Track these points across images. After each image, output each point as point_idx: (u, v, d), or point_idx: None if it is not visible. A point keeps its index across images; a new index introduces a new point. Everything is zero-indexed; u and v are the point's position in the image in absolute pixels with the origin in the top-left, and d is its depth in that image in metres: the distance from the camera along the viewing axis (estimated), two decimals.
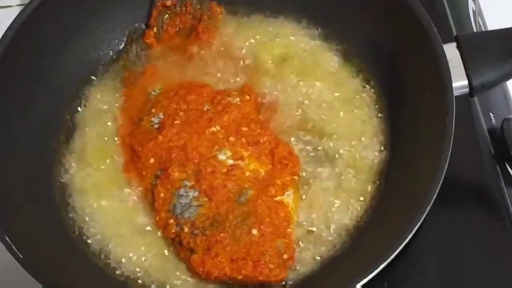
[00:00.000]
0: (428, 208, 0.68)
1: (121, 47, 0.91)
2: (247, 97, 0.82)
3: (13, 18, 0.80)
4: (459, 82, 0.75)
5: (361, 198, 0.79)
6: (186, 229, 0.74)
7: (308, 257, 0.76)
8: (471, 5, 1.03)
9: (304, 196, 0.79)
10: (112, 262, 0.77)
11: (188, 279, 0.76)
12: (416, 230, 0.68)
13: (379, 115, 0.83)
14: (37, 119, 0.82)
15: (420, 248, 0.77)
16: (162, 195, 0.77)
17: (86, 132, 0.85)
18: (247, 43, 0.89)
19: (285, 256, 0.74)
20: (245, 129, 0.79)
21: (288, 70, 0.86)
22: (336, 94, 0.85)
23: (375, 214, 0.77)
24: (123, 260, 0.77)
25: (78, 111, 0.87)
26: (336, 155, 0.81)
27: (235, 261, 0.72)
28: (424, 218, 0.68)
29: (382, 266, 0.66)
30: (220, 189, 0.75)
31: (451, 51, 0.75)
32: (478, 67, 0.75)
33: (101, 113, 0.86)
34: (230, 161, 0.77)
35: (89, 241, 0.79)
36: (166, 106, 0.82)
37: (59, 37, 0.85)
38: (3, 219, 0.71)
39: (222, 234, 0.73)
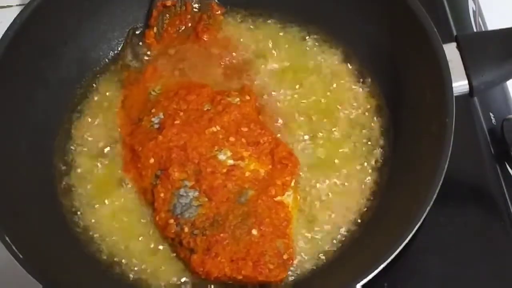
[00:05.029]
0: (428, 208, 0.68)
1: (121, 47, 0.91)
2: (247, 97, 0.82)
3: (13, 18, 0.80)
4: (459, 82, 0.75)
5: (361, 199, 0.79)
6: (186, 229, 0.74)
7: (308, 257, 0.76)
8: (471, 5, 1.03)
9: (304, 196, 0.79)
10: (113, 262, 0.77)
11: (188, 279, 0.76)
12: (416, 230, 0.68)
13: (379, 115, 0.83)
14: (37, 119, 0.82)
15: (420, 248, 0.77)
16: (162, 195, 0.77)
17: (86, 132, 0.85)
18: (247, 43, 0.89)
19: (285, 257, 0.74)
20: (245, 129, 0.79)
21: (288, 70, 0.87)
22: (336, 97, 0.85)
23: (375, 214, 0.77)
24: (124, 260, 0.77)
25: (78, 111, 0.87)
26: (336, 155, 0.81)
27: (235, 261, 0.72)
28: (424, 218, 0.68)
29: (382, 266, 0.66)
30: (220, 189, 0.75)
31: (451, 51, 0.75)
32: (478, 67, 0.75)
33: (101, 113, 0.86)
34: (230, 161, 0.77)
35: (89, 241, 0.79)
36: (166, 106, 0.82)
37: (59, 37, 0.86)
38: (3, 219, 0.71)
39: (222, 234, 0.73)
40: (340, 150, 0.81)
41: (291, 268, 0.75)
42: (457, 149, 0.71)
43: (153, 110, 0.82)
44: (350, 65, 0.87)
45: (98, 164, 0.83)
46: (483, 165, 0.84)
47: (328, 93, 0.85)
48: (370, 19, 0.84)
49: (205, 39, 0.90)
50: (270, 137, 0.80)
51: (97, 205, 0.81)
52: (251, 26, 0.91)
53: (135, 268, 0.77)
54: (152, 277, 0.76)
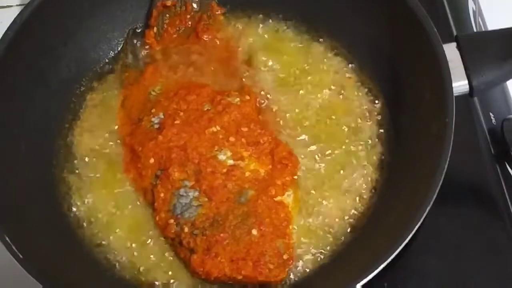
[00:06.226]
0: (428, 208, 0.68)
1: (121, 47, 0.91)
2: (247, 97, 0.82)
3: (13, 18, 0.80)
4: (459, 82, 0.75)
5: (361, 199, 0.79)
6: (186, 229, 0.74)
7: (308, 257, 0.76)
8: (471, 5, 1.03)
9: (304, 196, 0.79)
10: (113, 262, 0.77)
11: (189, 279, 0.76)
12: (416, 230, 0.68)
13: (379, 115, 0.83)
14: (37, 119, 0.82)
15: (420, 248, 0.77)
16: (162, 195, 0.77)
17: (86, 132, 0.85)
18: (247, 44, 0.89)
19: (285, 257, 0.74)
20: (245, 129, 0.79)
21: (287, 71, 0.87)
22: (336, 97, 0.85)
23: (375, 214, 0.77)
24: (124, 260, 0.77)
25: (78, 111, 0.87)
26: (336, 155, 0.81)
27: (235, 261, 0.72)
28: (424, 218, 0.68)
29: (382, 266, 0.66)
30: (220, 189, 0.75)
31: (451, 51, 0.75)
32: (478, 67, 0.75)
33: (101, 113, 0.86)
34: (230, 161, 0.77)
35: (89, 241, 0.79)
36: (166, 106, 0.82)
37: (59, 37, 0.86)
38: (3, 219, 0.71)
39: (222, 234, 0.73)
40: (339, 150, 0.81)
41: (291, 268, 0.75)
42: (457, 149, 0.71)
43: (153, 110, 0.82)
44: (350, 65, 0.87)
45: (98, 164, 0.83)
46: (483, 165, 0.85)
47: (328, 93, 0.85)
48: (370, 19, 0.84)
49: (205, 39, 0.90)
50: (270, 137, 0.80)
51: (97, 205, 0.81)
52: (251, 26, 0.91)
53: (136, 268, 0.77)
54: (152, 277, 0.76)
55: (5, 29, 0.79)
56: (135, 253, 0.78)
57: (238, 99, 0.82)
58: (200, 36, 0.90)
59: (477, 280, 0.78)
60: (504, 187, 0.83)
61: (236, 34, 0.90)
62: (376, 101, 0.84)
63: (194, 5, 0.91)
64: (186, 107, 0.81)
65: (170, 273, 0.76)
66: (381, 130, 0.83)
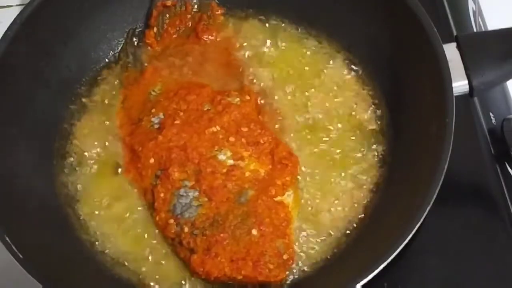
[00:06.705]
0: (428, 208, 0.68)
1: (121, 47, 0.91)
2: (247, 97, 0.82)
3: (13, 18, 0.80)
4: (459, 82, 0.75)
5: (361, 199, 0.79)
6: (186, 229, 0.74)
7: (308, 257, 0.76)
8: (471, 5, 1.03)
9: (304, 196, 0.79)
10: (113, 262, 0.77)
11: (189, 279, 0.76)
12: (416, 230, 0.68)
13: (379, 115, 0.83)
14: (37, 119, 0.82)
15: (420, 248, 0.77)
16: (162, 195, 0.77)
17: (86, 132, 0.85)
18: (247, 44, 0.89)
19: (285, 257, 0.74)
20: (245, 129, 0.79)
21: (287, 71, 0.87)
22: (336, 97, 0.85)
23: (375, 214, 0.77)
24: (124, 260, 0.77)
25: (78, 111, 0.87)
26: (336, 155, 0.81)
27: (235, 261, 0.72)
28: (424, 218, 0.68)
29: (382, 266, 0.66)
30: (220, 189, 0.75)
31: (451, 51, 0.75)
32: (478, 67, 0.75)
33: (101, 113, 0.86)
34: (230, 161, 0.77)
35: (89, 240, 0.79)
36: (166, 106, 0.82)
37: (59, 37, 0.85)
38: (3, 219, 0.71)
39: (222, 234, 0.73)
40: (339, 150, 0.82)
41: (291, 268, 0.75)
42: (457, 149, 0.71)
43: (153, 110, 0.82)
44: (350, 65, 0.87)
45: (98, 164, 0.83)
46: (483, 165, 0.85)
47: (328, 93, 0.85)
48: (370, 19, 0.84)
49: (205, 39, 0.90)
50: (270, 137, 0.80)
51: (97, 205, 0.81)
52: (251, 26, 0.91)
53: (136, 268, 0.77)
54: (152, 278, 0.76)
55: (5, 29, 0.79)
56: (135, 253, 0.78)
57: (238, 99, 0.82)
58: (200, 36, 0.90)
59: (477, 280, 0.78)
60: (504, 187, 0.83)
61: (236, 34, 0.90)
62: (376, 101, 0.84)
63: (194, 5, 0.91)
64: (186, 107, 0.81)
65: (170, 273, 0.76)
66: (381, 130, 0.83)
